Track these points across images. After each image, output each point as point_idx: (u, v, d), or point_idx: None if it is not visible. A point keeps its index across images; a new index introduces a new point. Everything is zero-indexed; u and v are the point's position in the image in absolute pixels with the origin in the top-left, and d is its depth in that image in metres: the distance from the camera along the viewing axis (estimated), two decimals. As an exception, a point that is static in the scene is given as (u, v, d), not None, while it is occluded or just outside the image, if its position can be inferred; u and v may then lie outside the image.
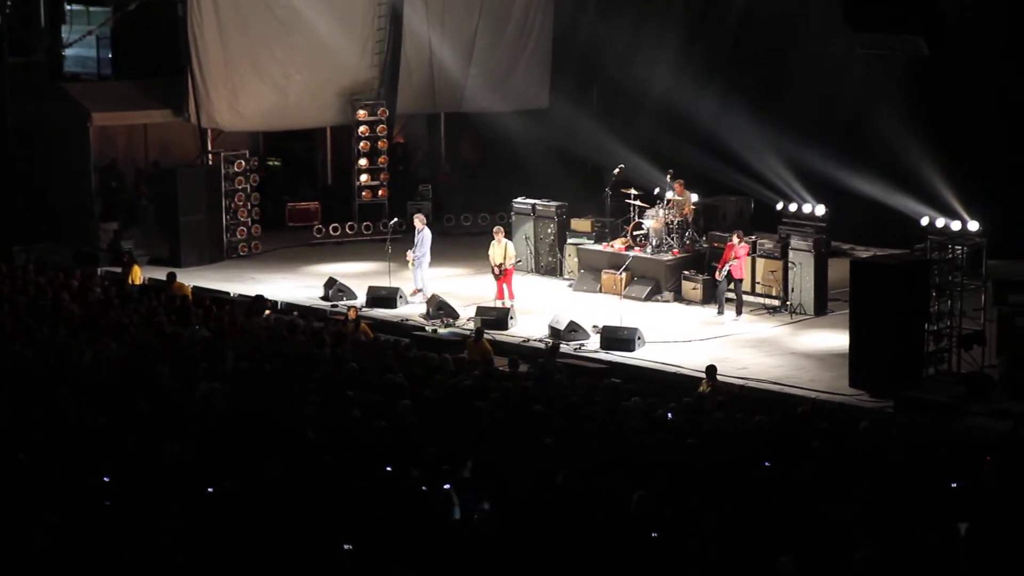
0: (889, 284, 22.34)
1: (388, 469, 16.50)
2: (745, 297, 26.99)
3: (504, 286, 27.24)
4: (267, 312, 25.68)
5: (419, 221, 28.42)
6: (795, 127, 29.87)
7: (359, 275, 29.54)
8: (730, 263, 26.41)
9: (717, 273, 26.75)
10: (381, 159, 34.14)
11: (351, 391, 19.74)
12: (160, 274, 29.10)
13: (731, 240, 26.72)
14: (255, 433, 17.79)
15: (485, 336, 24.17)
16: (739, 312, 26.59)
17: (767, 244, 27.23)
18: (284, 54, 33.21)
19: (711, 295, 27.27)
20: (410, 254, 27.97)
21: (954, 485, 16.05)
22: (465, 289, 28.67)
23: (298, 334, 23.32)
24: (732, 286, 26.59)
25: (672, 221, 28.35)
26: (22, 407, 18.52)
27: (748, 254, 26.84)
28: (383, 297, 27.58)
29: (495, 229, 28.03)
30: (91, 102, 32.78)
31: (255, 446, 17.24)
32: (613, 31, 33.70)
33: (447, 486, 15.74)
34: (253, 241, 32.37)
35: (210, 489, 15.61)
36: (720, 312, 26.62)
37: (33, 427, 17.81)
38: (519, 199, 30.66)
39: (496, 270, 27.28)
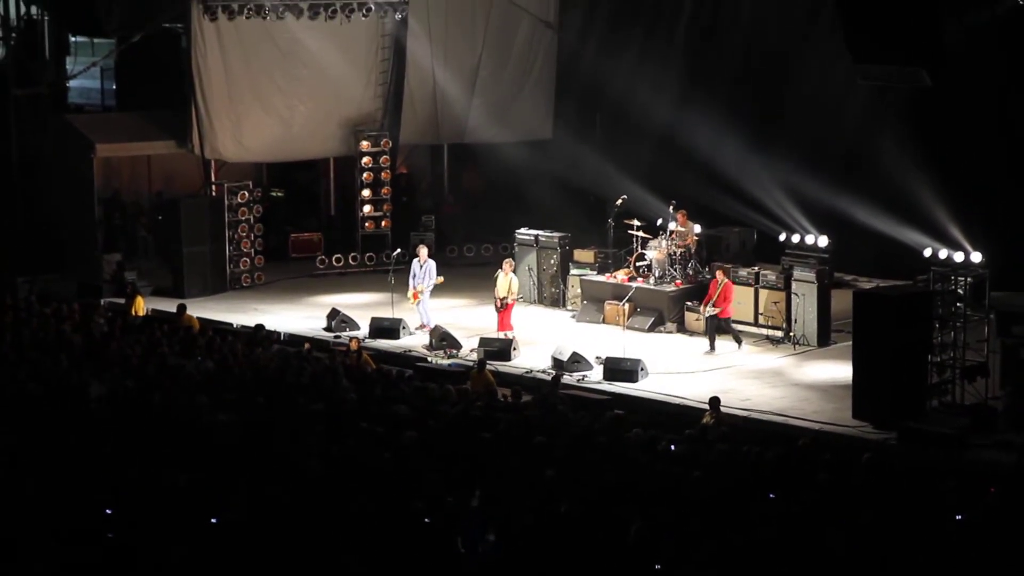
0: (892, 315, 22.32)
1: (392, 500, 16.50)
2: (748, 328, 27.03)
3: (503, 318, 27.20)
4: (275, 346, 25.67)
5: (423, 252, 28.42)
6: (797, 158, 29.89)
7: (362, 306, 29.54)
8: (714, 304, 26.37)
9: (702, 309, 26.75)
10: (384, 190, 34.19)
11: (355, 422, 19.76)
12: (163, 305, 29.11)
13: (715, 277, 26.75)
14: (259, 464, 17.79)
15: (488, 367, 24.17)
16: (739, 343, 26.53)
17: (770, 275, 27.23)
18: (288, 85, 33.31)
19: (714, 326, 27.28)
20: (421, 286, 27.84)
21: (958, 517, 16.02)
22: (468, 320, 28.65)
23: (304, 365, 23.35)
24: (722, 323, 26.53)
25: (675, 252, 28.36)
26: (25, 439, 18.53)
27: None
28: (386, 328, 27.57)
29: (506, 261, 28.05)
30: (95, 133, 32.86)
31: (259, 477, 17.25)
32: (616, 63, 33.74)
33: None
34: (256, 272, 32.39)
35: (214, 520, 15.62)
36: (711, 348, 26.50)
37: (36, 459, 17.81)
38: (522, 230, 30.68)
39: (498, 303, 27.27)
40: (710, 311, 26.54)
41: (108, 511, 15.90)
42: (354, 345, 24.98)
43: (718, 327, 26.56)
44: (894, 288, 23.58)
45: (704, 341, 26.89)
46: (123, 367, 22.47)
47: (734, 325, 26.80)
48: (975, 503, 16.54)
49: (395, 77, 34.44)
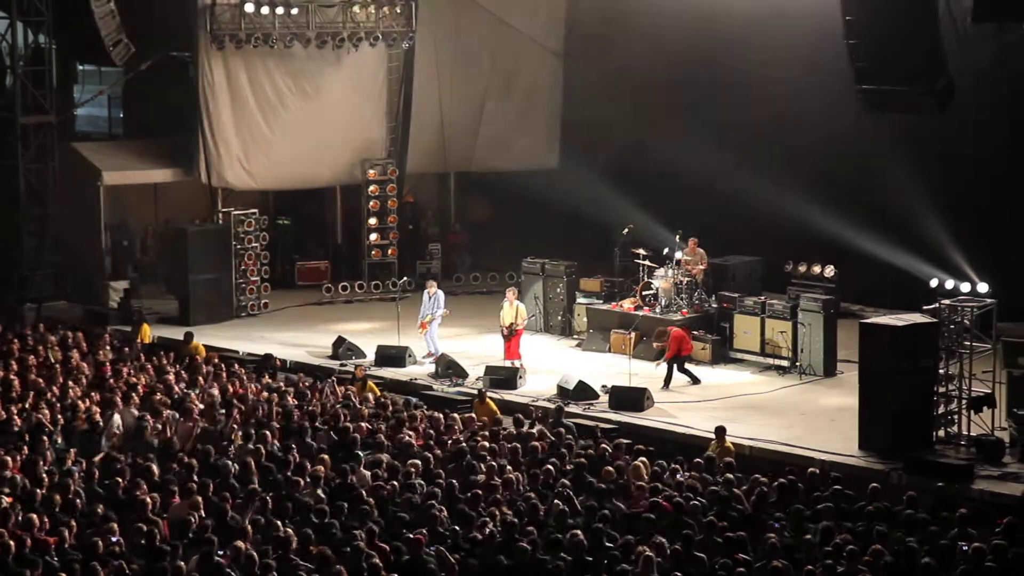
0: (898, 346, 22.28)
1: (394, 529, 16.49)
2: (754, 358, 27.11)
3: (510, 347, 27.16)
4: (274, 373, 25.67)
5: (432, 286, 28.38)
6: (805, 188, 29.88)
7: (368, 334, 29.53)
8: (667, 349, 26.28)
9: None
10: (391, 218, 34.22)
11: (360, 451, 19.77)
12: (169, 333, 29.10)
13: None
14: (265, 495, 17.80)
15: (490, 396, 24.16)
16: (665, 385, 26.07)
17: (777, 305, 27.20)
18: (295, 114, 33.36)
19: (720, 355, 27.31)
20: (429, 316, 27.83)
21: (964, 547, 16.00)
22: (475, 348, 28.63)
23: (308, 394, 23.38)
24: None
25: (681, 281, 28.36)
26: (32, 466, 18.55)
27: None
28: (392, 356, 27.55)
29: (509, 290, 28.05)
30: (102, 161, 32.92)
31: (265, 509, 17.25)
32: (622, 92, 33.78)
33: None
34: (262, 300, 32.39)
35: (220, 552, 15.61)
36: (695, 381, 26.24)
37: (44, 487, 17.83)
38: (528, 259, 30.65)
39: (505, 331, 27.24)
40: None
41: (115, 538, 15.92)
42: (359, 373, 25.00)
43: (675, 364, 26.25)
44: (900, 318, 23.50)
45: (711, 369, 26.88)
46: (128, 396, 22.49)
47: (743, 356, 26.73)
48: (981, 534, 16.51)
49: (402, 106, 34.53)
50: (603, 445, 20.88)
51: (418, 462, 19.08)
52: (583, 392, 25.11)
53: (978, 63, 27.35)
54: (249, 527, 16.37)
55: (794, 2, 29.83)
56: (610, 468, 19.17)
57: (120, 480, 18.13)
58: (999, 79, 28.05)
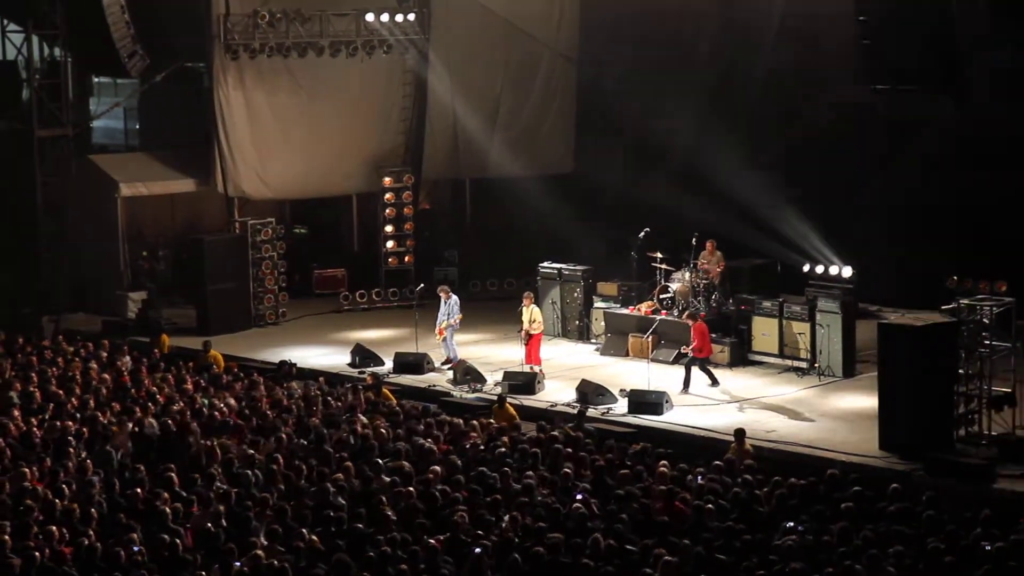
0: (917, 346, 22.23)
1: (416, 535, 16.50)
2: (772, 359, 27.08)
3: (530, 351, 27.16)
4: (291, 380, 25.71)
5: (444, 292, 28.33)
6: (821, 188, 29.83)
7: (386, 341, 29.56)
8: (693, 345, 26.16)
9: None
10: (407, 225, 34.27)
11: (380, 458, 19.78)
12: (188, 343, 29.16)
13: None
14: (283, 504, 17.82)
15: (509, 401, 24.17)
16: (713, 382, 26.12)
17: (795, 306, 27.16)
18: (310, 123, 33.45)
19: (739, 357, 27.27)
20: (445, 322, 27.81)
21: (987, 547, 15.96)
22: (493, 354, 28.64)
23: (328, 401, 23.41)
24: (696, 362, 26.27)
25: (698, 284, 28.33)
26: (53, 477, 18.61)
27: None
28: (410, 363, 27.57)
29: (525, 294, 28.05)
30: (119, 173, 33.05)
31: (284, 517, 17.27)
32: (637, 95, 33.77)
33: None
34: (280, 309, 32.43)
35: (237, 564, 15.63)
36: (685, 388, 26.04)
37: (65, 498, 17.87)
38: (545, 263, 30.67)
39: (524, 335, 27.22)
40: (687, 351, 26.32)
41: (137, 548, 15.95)
42: (369, 380, 25.02)
43: (694, 365, 26.20)
44: (919, 318, 23.44)
45: (730, 373, 26.86)
46: (147, 406, 22.55)
47: (762, 358, 26.67)
48: (1003, 533, 16.47)
49: (417, 113, 34.58)
50: (623, 449, 20.87)
51: (438, 468, 19.10)
52: (601, 396, 25.10)
53: (997, 60, 27.31)
54: (264, 538, 16.39)
55: (808, 2, 29.81)
56: (630, 472, 19.18)
57: (140, 490, 18.14)
58: (1017, 75, 27.96)
